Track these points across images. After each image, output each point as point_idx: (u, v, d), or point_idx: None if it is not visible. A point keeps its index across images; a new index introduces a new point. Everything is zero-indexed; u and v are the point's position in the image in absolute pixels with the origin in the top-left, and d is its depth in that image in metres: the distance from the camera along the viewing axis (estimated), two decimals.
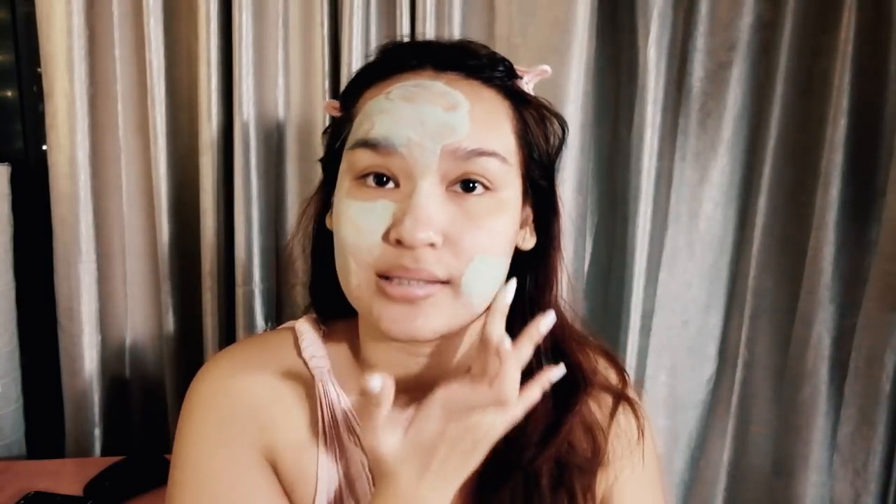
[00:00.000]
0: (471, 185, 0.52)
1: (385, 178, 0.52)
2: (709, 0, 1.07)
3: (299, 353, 0.63)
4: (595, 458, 0.60)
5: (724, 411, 1.19)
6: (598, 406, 0.62)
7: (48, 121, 1.06)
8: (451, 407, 0.51)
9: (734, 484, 1.21)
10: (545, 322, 0.52)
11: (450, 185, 0.52)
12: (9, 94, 1.19)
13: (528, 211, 0.59)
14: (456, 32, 1.06)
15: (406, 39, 0.64)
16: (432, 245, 0.50)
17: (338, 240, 0.55)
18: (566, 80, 1.04)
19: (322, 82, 1.07)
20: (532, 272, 0.60)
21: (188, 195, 1.11)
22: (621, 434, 0.62)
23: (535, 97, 0.60)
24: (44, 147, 1.10)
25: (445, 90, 0.53)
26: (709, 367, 1.20)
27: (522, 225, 0.59)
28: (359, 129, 0.54)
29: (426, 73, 0.55)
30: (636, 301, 1.12)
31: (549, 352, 0.58)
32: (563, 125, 0.61)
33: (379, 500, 0.52)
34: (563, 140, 0.61)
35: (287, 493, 0.59)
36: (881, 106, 1.03)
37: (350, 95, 0.60)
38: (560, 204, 0.61)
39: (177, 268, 1.12)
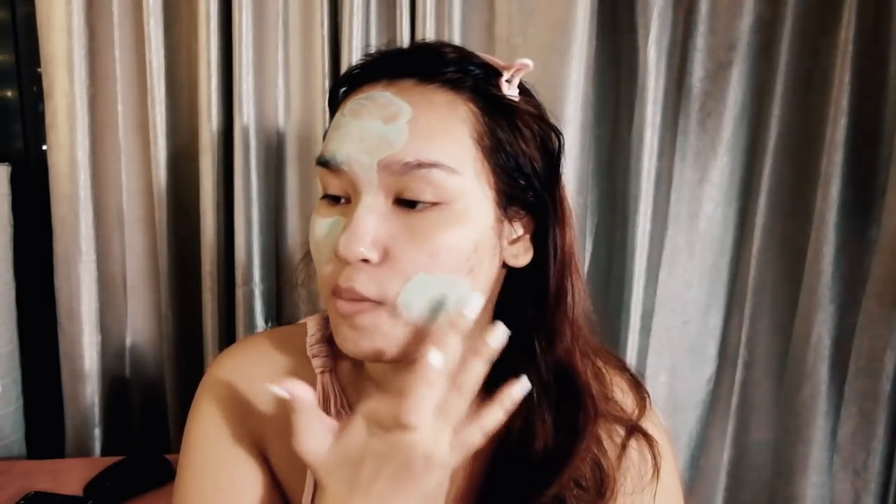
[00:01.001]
0: (414, 200, 0.49)
1: (340, 195, 0.52)
2: (709, 0, 1.07)
3: (304, 350, 0.63)
4: (600, 495, 0.55)
5: (724, 411, 1.19)
6: (608, 436, 0.58)
7: (48, 121, 1.06)
8: (370, 420, 0.48)
9: (734, 484, 1.21)
10: (496, 336, 0.47)
11: (395, 199, 0.50)
12: (9, 94, 1.19)
13: (519, 224, 0.54)
14: (456, 32, 1.06)
15: (403, 44, 0.60)
16: (367, 261, 0.49)
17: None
18: (566, 80, 1.04)
19: (322, 82, 1.07)
20: (531, 292, 0.55)
21: (188, 195, 1.11)
22: (632, 468, 0.57)
23: (511, 100, 0.53)
24: (44, 147, 1.10)
25: (390, 100, 0.50)
26: (709, 367, 1.20)
27: (515, 240, 0.54)
28: (322, 148, 0.54)
29: (380, 83, 0.52)
30: (636, 301, 1.12)
31: (551, 375, 0.55)
32: (555, 132, 0.56)
33: None
34: (557, 147, 0.55)
35: (282, 487, 0.60)
36: (881, 106, 1.03)
37: (331, 108, 0.59)
38: (562, 215, 0.55)
39: (177, 268, 1.13)
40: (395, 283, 0.48)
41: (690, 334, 1.18)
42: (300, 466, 0.56)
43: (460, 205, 0.50)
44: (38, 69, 1.08)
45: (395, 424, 0.46)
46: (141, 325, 1.18)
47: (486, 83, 0.53)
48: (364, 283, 0.49)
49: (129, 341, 1.18)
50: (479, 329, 0.51)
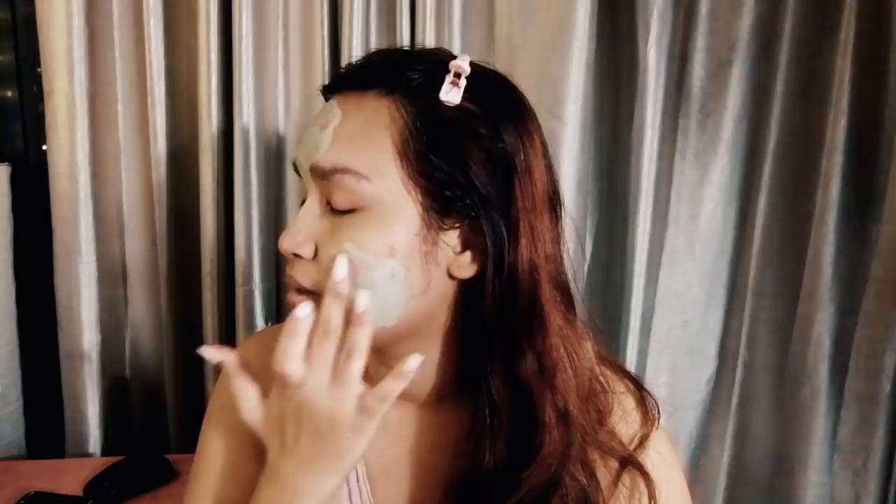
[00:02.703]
0: (333, 203, 0.51)
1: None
2: (709, 0, 1.07)
3: None
4: None
5: (724, 411, 1.19)
6: (602, 463, 0.56)
7: (48, 121, 1.06)
8: (274, 382, 0.51)
9: (734, 484, 1.21)
10: (359, 302, 0.48)
11: (327, 202, 0.52)
12: (9, 94, 1.19)
13: (457, 235, 0.52)
14: (456, 33, 1.06)
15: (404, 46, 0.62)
16: (299, 256, 0.52)
17: None
18: (566, 80, 1.04)
19: (322, 82, 1.07)
20: (483, 308, 0.52)
21: (188, 195, 1.11)
22: (626, 497, 0.56)
23: (446, 106, 0.50)
24: (44, 147, 1.10)
25: (331, 108, 0.53)
26: (709, 368, 1.20)
27: (460, 251, 0.52)
28: None
29: (337, 94, 0.54)
30: (636, 301, 1.12)
31: (507, 395, 0.53)
32: (508, 145, 0.51)
33: (261, 478, 0.53)
34: (511, 160, 0.51)
35: None
36: (881, 106, 1.03)
37: None
38: (518, 231, 0.51)
39: (177, 268, 1.12)
40: (319, 276, 0.51)
41: (690, 334, 1.18)
42: None
43: (377, 209, 0.50)
44: (38, 69, 1.08)
45: (279, 378, 0.50)
46: (141, 325, 1.18)
47: (428, 86, 0.51)
48: (301, 273, 0.52)
49: (129, 341, 1.18)
50: (427, 335, 0.55)
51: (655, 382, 1.17)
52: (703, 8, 1.07)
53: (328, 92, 0.56)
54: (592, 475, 0.55)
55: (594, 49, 1.06)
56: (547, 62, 1.04)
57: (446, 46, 1.04)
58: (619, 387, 0.60)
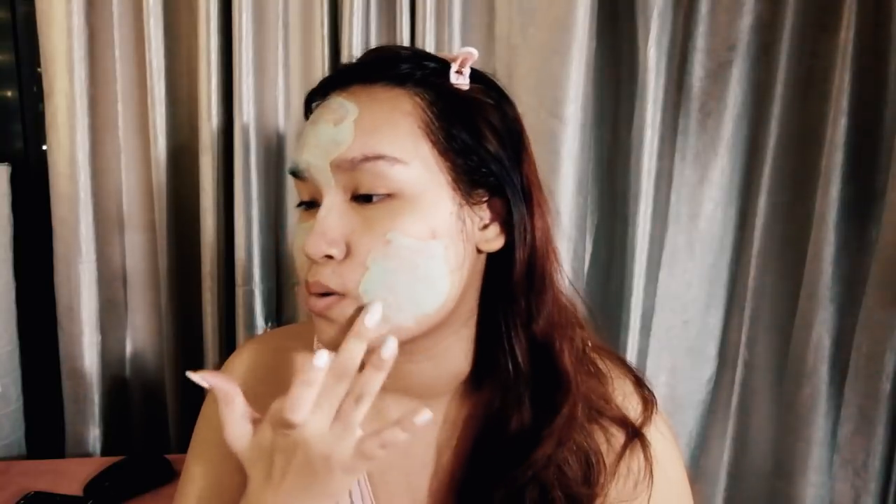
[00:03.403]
0: (368, 194, 0.51)
1: (312, 201, 0.55)
2: (709, 0, 1.07)
3: (311, 346, 0.65)
4: (588, 491, 0.56)
5: (724, 411, 1.19)
6: (605, 439, 0.58)
7: (48, 121, 1.06)
8: (270, 418, 0.50)
9: (734, 484, 1.21)
10: (388, 348, 0.48)
11: (352, 196, 0.52)
12: (9, 94, 1.19)
13: (486, 208, 0.55)
14: (456, 33, 1.06)
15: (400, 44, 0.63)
16: (331, 257, 0.51)
17: None
18: (566, 80, 1.04)
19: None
20: (507, 276, 0.56)
21: (188, 195, 1.11)
22: (630, 476, 0.58)
23: (459, 88, 0.55)
24: (44, 147, 1.10)
25: (340, 104, 0.53)
26: (709, 368, 1.20)
27: (485, 225, 0.55)
28: None
29: (334, 92, 0.55)
30: (636, 301, 1.12)
31: (529, 355, 0.56)
32: (514, 115, 0.57)
33: (242, 500, 0.52)
34: (519, 129, 0.57)
35: None
36: (881, 106, 1.03)
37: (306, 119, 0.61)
38: (532, 196, 0.55)
39: (177, 268, 1.13)
40: (355, 275, 0.50)
41: (690, 334, 1.18)
42: None
43: (412, 193, 0.51)
44: (38, 69, 1.08)
45: (281, 422, 0.48)
46: (141, 325, 1.18)
47: (435, 76, 0.54)
48: (328, 276, 0.51)
49: (129, 341, 1.18)
50: (460, 318, 0.56)
51: (655, 382, 1.17)
52: (703, 8, 1.07)
53: (328, 89, 0.56)
54: (597, 451, 0.57)
55: (594, 49, 1.06)
56: (547, 62, 1.04)
57: (446, 46, 1.04)
58: (615, 372, 0.62)
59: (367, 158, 0.50)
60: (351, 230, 0.51)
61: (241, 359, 0.68)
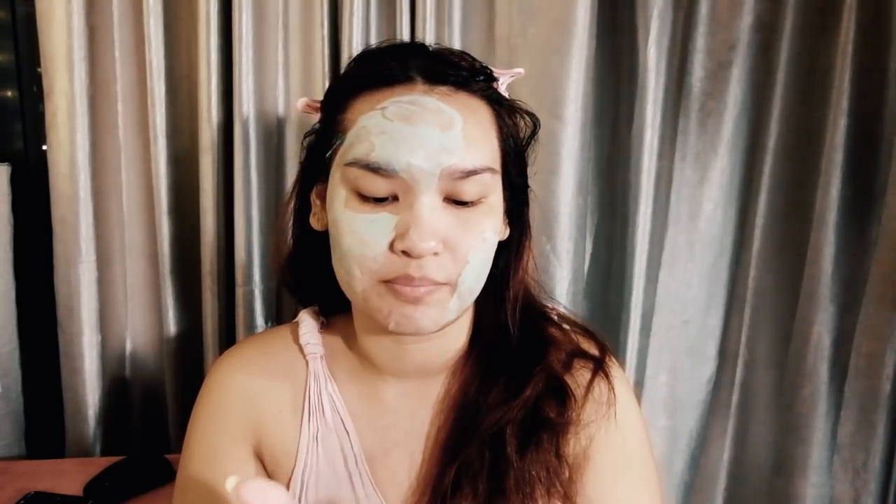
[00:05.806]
0: (465, 200, 0.57)
1: (385, 197, 0.57)
2: (709, 0, 1.07)
3: (297, 341, 0.70)
4: (564, 419, 0.62)
5: (724, 411, 1.19)
6: (574, 380, 0.65)
7: (48, 121, 1.06)
8: None
9: (734, 484, 1.21)
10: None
11: (446, 197, 0.57)
12: (9, 94, 1.19)
13: (504, 205, 0.63)
14: (456, 33, 1.06)
15: (389, 43, 0.64)
16: (435, 253, 0.55)
17: (339, 248, 0.58)
18: (566, 80, 1.04)
19: (322, 82, 1.07)
20: (504, 258, 0.66)
21: (188, 195, 1.11)
22: (595, 401, 0.64)
23: (507, 98, 0.64)
24: (44, 147, 1.10)
25: (440, 107, 0.56)
26: (709, 367, 1.20)
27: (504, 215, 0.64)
28: (357, 148, 0.56)
29: (417, 87, 0.57)
30: (636, 301, 1.12)
31: (518, 323, 0.65)
32: (534, 121, 0.66)
33: None
34: (532, 134, 0.67)
35: (273, 470, 0.66)
36: (881, 106, 1.03)
37: (335, 103, 0.62)
38: (531, 194, 0.67)
39: (177, 268, 1.12)
40: (456, 267, 0.57)
41: (690, 334, 1.18)
42: (289, 448, 0.65)
43: (494, 197, 0.60)
44: (38, 69, 1.08)
45: None
46: (141, 325, 1.18)
47: (491, 87, 0.62)
48: (435, 270, 0.56)
49: (129, 341, 1.18)
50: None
51: (655, 382, 1.18)
52: (703, 8, 1.07)
53: (391, 79, 0.58)
54: (569, 387, 0.64)
55: (594, 49, 1.06)
56: (547, 62, 1.04)
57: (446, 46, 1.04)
58: (576, 328, 0.71)
59: (477, 171, 0.56)
60: (448, 228, 0.56)
61: (228, 367, 0.71)
